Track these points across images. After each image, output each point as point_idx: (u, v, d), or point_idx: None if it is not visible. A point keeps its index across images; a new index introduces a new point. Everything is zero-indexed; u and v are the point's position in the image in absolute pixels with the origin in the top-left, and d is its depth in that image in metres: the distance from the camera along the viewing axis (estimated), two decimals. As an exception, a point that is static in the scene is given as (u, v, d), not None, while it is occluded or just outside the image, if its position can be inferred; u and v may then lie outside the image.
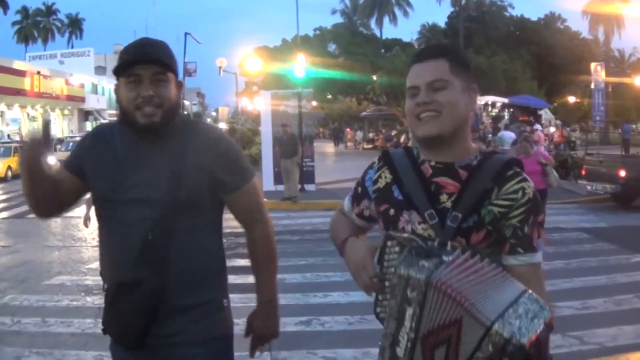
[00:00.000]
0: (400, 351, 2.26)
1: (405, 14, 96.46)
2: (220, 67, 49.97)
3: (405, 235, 2.40)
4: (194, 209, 2.97)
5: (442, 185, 2.47)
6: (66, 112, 66.45)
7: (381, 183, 2.66)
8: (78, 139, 39.32)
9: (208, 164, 2.98)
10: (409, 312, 2.22)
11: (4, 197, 25.51)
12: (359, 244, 2.59)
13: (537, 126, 33.18)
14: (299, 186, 21.82)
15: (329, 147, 58.59)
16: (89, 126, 69.71)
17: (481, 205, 2.40)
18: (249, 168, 3.20)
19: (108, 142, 3.07)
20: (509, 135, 25.97)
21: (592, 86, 46.07)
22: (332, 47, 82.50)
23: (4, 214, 20.40)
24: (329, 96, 68.53)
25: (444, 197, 2.45)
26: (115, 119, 3.20)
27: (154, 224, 2.90)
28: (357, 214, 2.84)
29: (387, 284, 2.39)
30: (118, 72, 2.95)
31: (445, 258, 2.23)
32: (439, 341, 2.17)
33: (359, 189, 2.81)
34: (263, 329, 3.24)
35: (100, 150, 3.06)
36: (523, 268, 2.39)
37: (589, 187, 19.98)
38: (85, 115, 71.50)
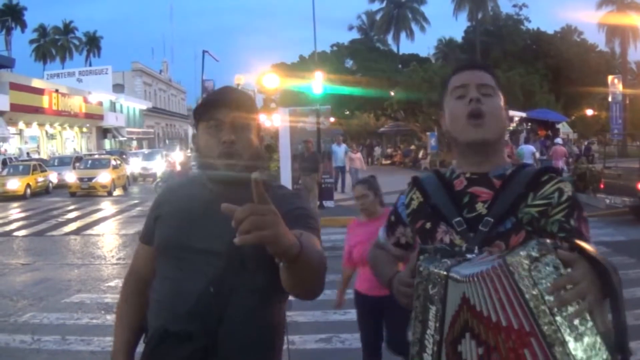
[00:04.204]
0: (427, 357, 2.24)
1: (422, 29, 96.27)
2: (238, 84, 50.10)
3: (438, 245, 2.39)
4: (261, 268, 2.61)
5: (477, 195, 2.50)
6: (84, 129, 66.88)
7: (414, 204, 2.69)
8: (97, 156, 39.39)
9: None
10: (432, 311, 2.21)
11: (23, 214, 25.59)
12: (403, 272, 2.55)
13: (558, 140, 33.08)
14: (317, 203, 21.77)
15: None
16: (107, 144, 70.13)
17: (517, 209, 2.38)
18: (316, 226, 2.85)
19: (185, 190, 2.96)
20: (529, 149, 25.93)
21: (610, 99, 45.79)
22: (349, 63, 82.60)
23: (23, 232, 20.45)
24: (347, 112, 68.54)
25: (479, 206, 2.47)
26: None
27: (217, 277, 2.63)
28: (394, 243, 2.84)
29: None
30: (199, 115, 2.85)
31: (469, 256, 2.27)
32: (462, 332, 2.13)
33: (392, 218, 2.83)
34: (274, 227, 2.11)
35: (174, 200, 2.93)
36: None
37: (607, 201, 19.76)
38: (104, 132, 72.02)
